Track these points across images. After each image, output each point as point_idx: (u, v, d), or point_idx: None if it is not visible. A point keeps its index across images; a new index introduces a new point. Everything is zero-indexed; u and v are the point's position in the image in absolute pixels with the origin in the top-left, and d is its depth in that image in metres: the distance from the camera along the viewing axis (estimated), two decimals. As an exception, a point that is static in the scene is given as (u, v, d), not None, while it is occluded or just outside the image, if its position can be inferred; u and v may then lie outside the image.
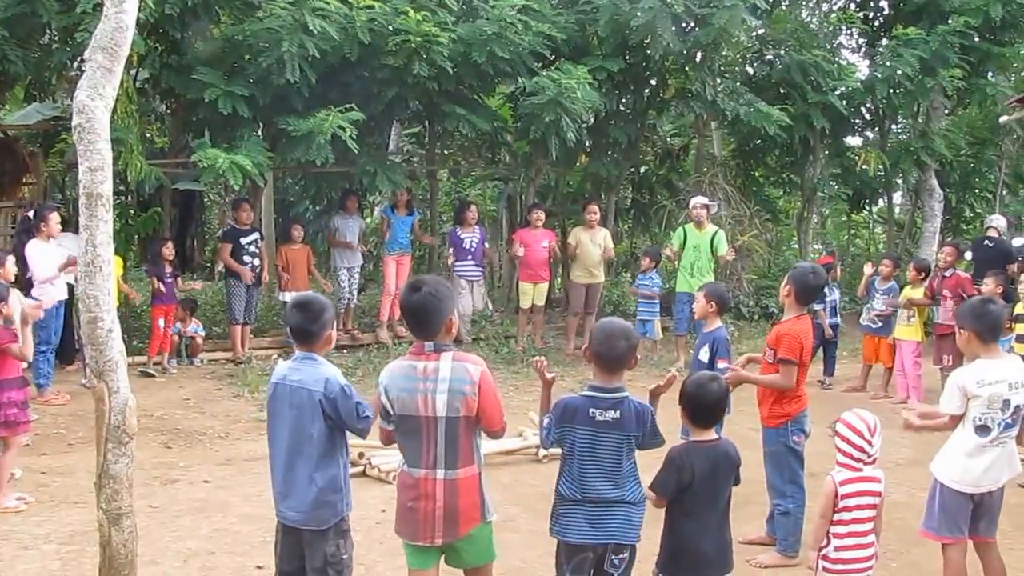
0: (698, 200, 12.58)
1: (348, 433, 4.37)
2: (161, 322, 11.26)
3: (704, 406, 4.41)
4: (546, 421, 4.38)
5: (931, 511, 5.06)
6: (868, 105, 16.22)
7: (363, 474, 7.30)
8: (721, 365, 6.66)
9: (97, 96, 4.28)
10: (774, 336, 5.99)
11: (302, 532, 4.32)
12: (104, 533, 4.39)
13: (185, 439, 8.69)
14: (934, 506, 5.04)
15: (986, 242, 12.33)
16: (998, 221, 12.89)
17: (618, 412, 4.23)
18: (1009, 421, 4.89)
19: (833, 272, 11.89)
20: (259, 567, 5.73)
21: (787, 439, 5.97)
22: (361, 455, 7.39)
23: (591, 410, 4.24)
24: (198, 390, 10.56)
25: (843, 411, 4.78)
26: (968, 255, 12.62)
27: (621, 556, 4.28)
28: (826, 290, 11.36)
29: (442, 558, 4.34)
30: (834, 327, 11.69)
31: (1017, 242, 13.88)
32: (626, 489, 4.28)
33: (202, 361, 11.95)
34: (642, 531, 4.38)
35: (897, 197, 20.20)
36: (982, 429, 4.90)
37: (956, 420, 5.02)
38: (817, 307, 11.01)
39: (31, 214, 10.10)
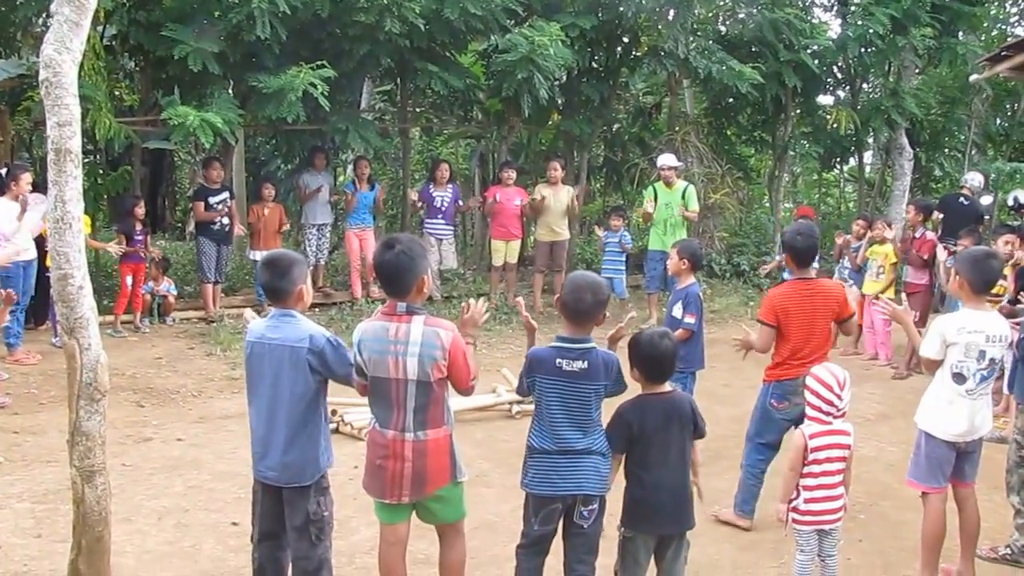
0: (665, 161, 12.56)
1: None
2: (129, 280, 11.21)
3: (656, 362, 4.40)
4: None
5: (917, 461, 5.12)
6: (840, 64, 16.26)
7: (336, 431, 7.29)
8: (689, 320, 6.71)
9: (64, 50, 4.21)
10: None
11: (282, 490, 4.32)
12: (77, 490, 4.37)
13: (158, 398, 8.69)
14: (920, 456, 5.09)
15: (961, 199, 12.39)
16: (974, 179, 12.93)
17: (585, 363, 4.25)
18: (984, 373, 4.94)
19: None
20: (234, 523, 5.76)
21: (766, 398, 5.98)
22: (334, 412, 7.41)
23: (557, 360, 4.27)
24: (170, 349, 10.54)
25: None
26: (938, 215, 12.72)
27: (591, 507, 4.30)
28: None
29: (414, 513, 4.38)
30: None
31: (985, 200, 13.99)
32: (593, 438, 4.31)
33: (174, 320, 11.91)
34: (615, 487, 4.43)
35: (868, 156, 20.25)
36: (958, 377, 4.95)
37: (935, 365, 5.06)
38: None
39: (3, 172, 9.97)
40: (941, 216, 12.04)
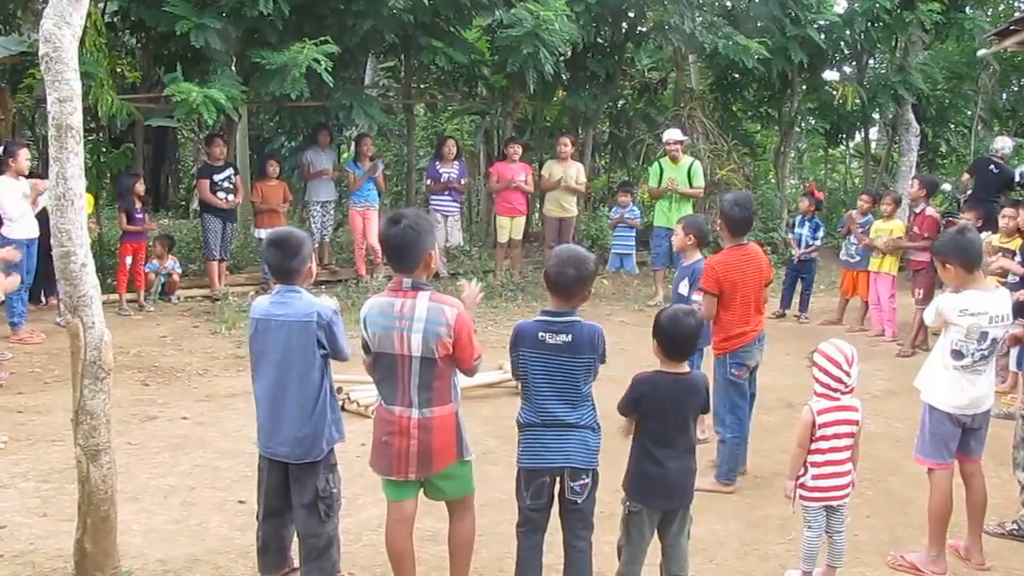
0: (671, 136, 12.53)
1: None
2: (129, 259, 11.17)
3: (678, 340, 4.39)
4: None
5: (922, 437, 5.10)
6: (846, 39, 16.15)
7: (342, 408, 7.26)
8: (696, 297, 6.70)
9: (64, 24, 4.17)
10: None
11: (289, 467, 4.33)
12: (82, 470, 4.36)
13: (163, 376, 8.67)
14: (925, 432, 5.08)
15: (991, 167, 12.32)
16: (1005, 145, 12.78)
17: (569, 336, 4.22)
18: (985, 352, 4.92)
19: (807, 206, 11.84)
20: (240, 502, 5.75)
21: (726, 370, 6.17)
22: (340, 389, 7.37)
23: (540, 334, 4.25)
24: (175, 327, 10.51)
25: (820, 343, 4.81)
26: (966, 178, 12.76)
27: (582, 482, 4.28)
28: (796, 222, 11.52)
29: (422, 491, 4.37)
30: (806, 263, 11.66)
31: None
32: (582, 413, 4.29)
33: (179, 298, 11.88)
34: (616, 462, 4.41)
35: (874, 132, 20.18)
36: (956, 354, 4.94)
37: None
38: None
39: (1, 150, 9.92)
40: (972, 179, 12.13)
